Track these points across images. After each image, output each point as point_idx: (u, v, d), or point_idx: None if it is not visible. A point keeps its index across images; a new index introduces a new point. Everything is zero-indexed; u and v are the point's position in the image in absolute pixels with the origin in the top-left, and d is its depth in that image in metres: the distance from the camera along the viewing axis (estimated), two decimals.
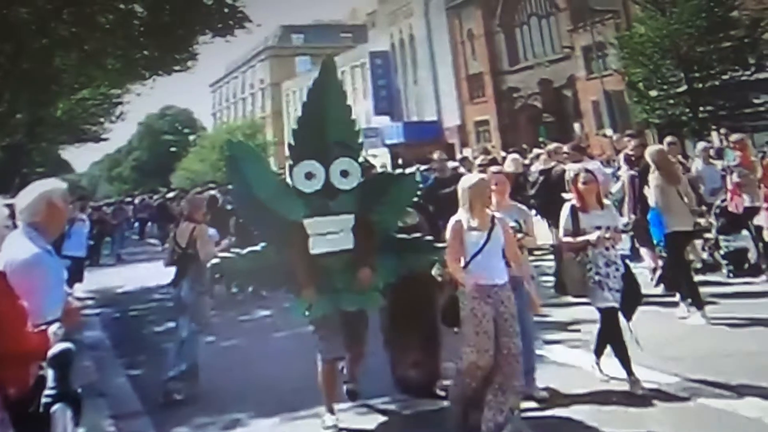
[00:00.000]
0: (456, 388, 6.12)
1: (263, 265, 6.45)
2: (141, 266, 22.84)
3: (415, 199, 7.20)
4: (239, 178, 6.62)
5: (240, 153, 6.81)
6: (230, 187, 7.14)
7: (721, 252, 11.66)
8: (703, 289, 9.64)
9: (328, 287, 6.43)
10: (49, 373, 3.96)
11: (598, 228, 6.79)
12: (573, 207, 7.04)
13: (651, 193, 9.46)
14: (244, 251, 6.58)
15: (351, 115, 6.95)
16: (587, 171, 7.25)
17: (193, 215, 8.66)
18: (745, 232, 11.41)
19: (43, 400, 3.89)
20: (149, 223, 35.08)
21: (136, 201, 39.86)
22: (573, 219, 6.95)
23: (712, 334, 8.42)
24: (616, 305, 6.73)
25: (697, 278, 10.91)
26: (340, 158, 6.57)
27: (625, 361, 6.76)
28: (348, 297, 6.49)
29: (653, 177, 9.37)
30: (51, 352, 3.94)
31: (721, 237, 11.68)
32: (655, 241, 10.38)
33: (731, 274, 11.33)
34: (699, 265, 11.95)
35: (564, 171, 11.02)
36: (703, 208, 12.33)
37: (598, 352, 7.09)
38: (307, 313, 6.44)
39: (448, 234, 6.20)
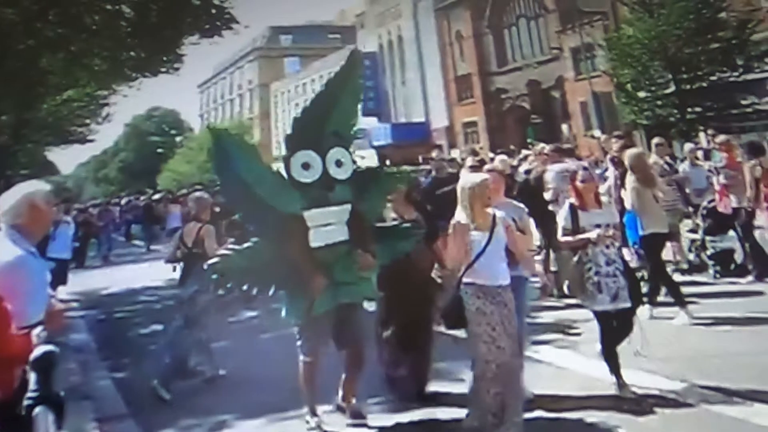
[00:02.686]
0: (475, 396, 5.96)
1: (260, 262, 6.24)
2: (126, 268, 22.81)
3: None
4: (229, 169, 6.34)
5: (227, 143, 6.45)
6: (219, 180, 6.80)
7: (708, 253, 11.70)
8: (689, 290, 9.68)
9: (329, 281, 6.30)
10: (32, 376, 3.91)
11: (598, 226, 6.72)
12: (572, 205, 6.95)
13: (627, 196, 9.50)
14: (241, 248, 6.41)
15: (357, 108, 6.95)
16: (585, 169, 7.23)
17: (199, 215, 8.75)
18: (731, 233, 11.45)
19: (25, 402, 3.85)
20: (133, 225, 34.96)
21: (123, 202, 39.71)
22: (572, 217, 6.87)
23: (699, 334, 8.42)
24: (610, 308, 6.67)
25: (684, 279, 11.03)
26: (335, 148, 6.49)
27: (614, 365, 6.75)
28: (345, 289, 6.40)
29: (629, 180, 9.41)
30: (33, 355, 3.90)
31: (707, 238, 11.72)
32: (630, 243, 10.41)
33: (718, 275, 11.36)
34: (686, 266, 12.01)
35: (544, 172, 11.14)
36: (690, 209, 12.41)
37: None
38: (301, 311, 6.32)
39: (450, 234, 6.14)
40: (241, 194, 6.35)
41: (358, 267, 6.44)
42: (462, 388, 6.77)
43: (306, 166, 6.37)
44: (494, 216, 6.05)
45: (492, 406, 5.77)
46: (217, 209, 11.71)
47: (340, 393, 6.75)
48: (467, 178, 6.36)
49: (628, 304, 6.70)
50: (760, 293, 10.11)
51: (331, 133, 6.54)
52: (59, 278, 12.32)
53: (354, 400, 6.70)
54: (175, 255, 8.84)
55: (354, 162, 6.72)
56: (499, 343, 5.76)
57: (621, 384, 6.66)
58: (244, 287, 6.36)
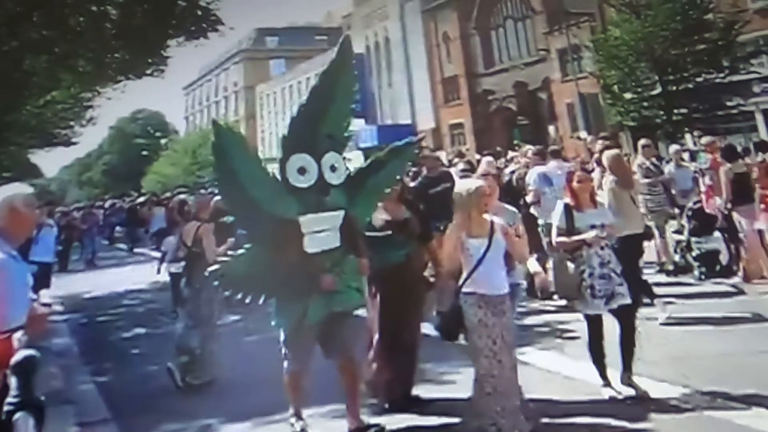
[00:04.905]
0: (477, 409, 5.79)
1: (254, 269, 6.06)
2: (110, 271, 22.70)
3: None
4: (228, 169, 6.08)
5: (228, 140, 6.17)
6: (217, 178, 6.54)
7: (693, 254, 11.73)
8: (675, 290, 9.68)
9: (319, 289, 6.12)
10: (12, 381, 3.87)
11: (593, 227, 6.65)
12: (567, 206, 6.86)
13: (604, 197, 9.50)
14: (237, 253, 6.24)
15: (351, 106, 6.76)
16: (583, 169, 7.17)
17: (199, 214, 8.89)
18: (716, 234, 11.48)
19: (5, 408, 3.81)
20: (118, 228, 34.86)
21: (107, 205, 39.55)
22: (567, 218, 6.78)
23: (685, 335, 8.45)
24: (604, 311, 6.64)
25: (669, 280, 11.10)
26: (330, 152, 6.34)
27: (601, 367, 6.72)
28: (338, 297, 6.21)
29: (607, 181, 9.40)
30: (14, 359, 3.86)
31: (693, 239, 11.74)
32: None
33: (703, 276, 11.39)
34: (671, 267, 12.04)
35: (525, 174, 11.22)
36: (676, 210, 12.45)
37: (625, 362, 6.76)
38: (293, 319, 6.18)
39: (446, 242, 6.06)
40: (238, 196, 6.15)
41: (356, 272, 6.35)
42: (448, 392, 6.76)
43: (302, 170, 6.20)
44: (492, 223, 5.97)
45: (497, 419, 5.63)
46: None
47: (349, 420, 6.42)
48: (463, 185, 6.25)
49: (628, 301, 6.63)
50: (743, 293, 10.21)
51: (326, 136, 6.38)
52: (42, 282, 12.15)
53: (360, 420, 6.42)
54: (176, 255, 9.07)
55: (346, 166, 6.61)
56: (500, 357, 5.69)
57: (605, 385, 6.65)
58: (239, 295, 6.19)
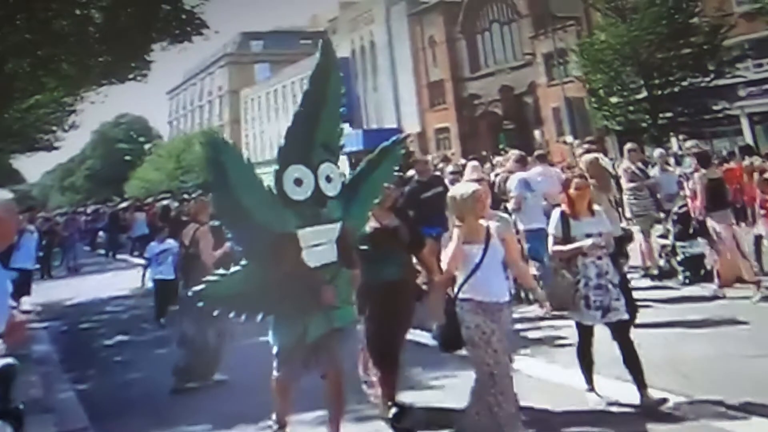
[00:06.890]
0: (475, 414, 5.71)
1: (250, 287, 5.83)
2: (91, 278, 22.54)
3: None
4: (224, 183, 5.83)
5: (225, 153, 5.90)
6: (213, 197, 6.33)
7: (678, 258, 11.74)
8: (659, 294, 9.66)
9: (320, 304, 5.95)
10: None
11: (589, 236, 6.52)
12: (563, 213, 6.72)
13: None
14: (229, 272, 5.95)
15: (340, 111, 6.54)
16: (581, 176, 7.04)
17: (197, 216, 8.93)
18: (701, 239, 11.48)
19: None
20: (100, 233, 34.70)
21: (89, 210, 39.36)
22: (563, 226, 6.65)
23: (671, 340, 8.42)
24: (593, 324, 6.53)
25: (654, 284, 11.12)
26: (326, 162, 6.18)
27: (588, 372, 6.66)
28: (336, 313, 6.04)
29: None
30: None
31: (678, 243, 11.74)
32: None
33: (687, 281, 11.40)
34: (655, 272, 12.06)
35: (506, 180, 11.23)
36: (661, 214, 12.47)
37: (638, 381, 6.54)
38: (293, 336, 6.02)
39: (444, 248, 5.94)
40: (234, 212, 5.91)
41: (349, 285, 6.24)
42: (431, 398, 6.69)
43: (298, 181, 6.03)
44: (488, 228, 5.88)
45: (497, 426, 5.56)
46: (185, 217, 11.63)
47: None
48: (458, 189, 6.15)
49: (625, 317, 6.50)
50: (723, 297, 10.33)
51: (321, 146, 6.23)
52: (23, 289, 12.05)
53: None
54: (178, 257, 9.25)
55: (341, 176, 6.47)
56: (499, 364, 5.61)
57: (593, 392, 6.61)
58: (231, 314, 6.03)
